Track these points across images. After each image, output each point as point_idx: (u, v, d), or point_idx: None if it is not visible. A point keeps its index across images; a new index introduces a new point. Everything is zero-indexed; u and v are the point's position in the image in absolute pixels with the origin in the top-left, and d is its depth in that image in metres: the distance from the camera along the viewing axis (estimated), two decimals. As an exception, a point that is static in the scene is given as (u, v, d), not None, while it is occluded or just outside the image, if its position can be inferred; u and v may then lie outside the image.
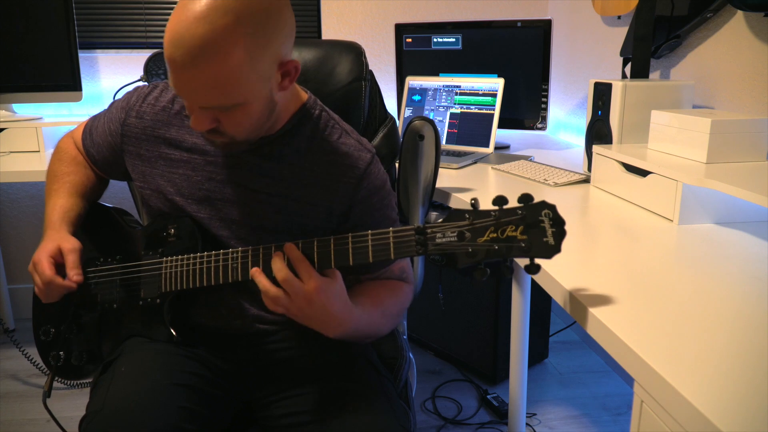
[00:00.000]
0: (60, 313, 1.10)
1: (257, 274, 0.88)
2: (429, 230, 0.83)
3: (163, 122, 1.07)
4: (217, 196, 1.04)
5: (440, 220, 0.84)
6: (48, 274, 0.98)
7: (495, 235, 0.80)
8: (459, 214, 0.82)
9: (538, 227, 0.79)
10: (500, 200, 0.81)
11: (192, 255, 1.00)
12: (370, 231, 0.87)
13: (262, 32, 0.85)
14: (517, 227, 0.80)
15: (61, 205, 1.09)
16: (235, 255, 0.95)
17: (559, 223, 0.79)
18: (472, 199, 0.83)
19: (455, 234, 0.82)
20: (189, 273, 1.00)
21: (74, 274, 0.99)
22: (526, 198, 0.80)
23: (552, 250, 0.79)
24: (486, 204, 0.80)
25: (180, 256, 1.01)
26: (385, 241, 0.86)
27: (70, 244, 1.01)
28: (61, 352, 1.09)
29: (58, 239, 1.02)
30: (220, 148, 1.00)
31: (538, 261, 0.81)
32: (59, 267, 1.00)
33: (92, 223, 1.13)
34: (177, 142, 1.06)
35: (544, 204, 0.80)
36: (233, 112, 0.89)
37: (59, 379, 1.13)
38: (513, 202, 0.81)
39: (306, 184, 1.03)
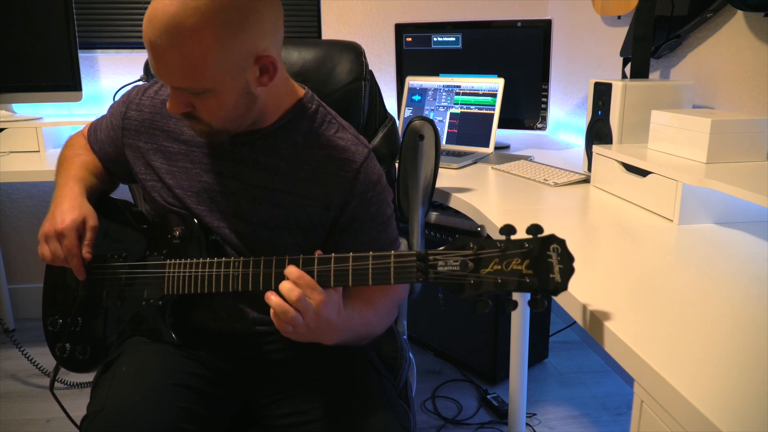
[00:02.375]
0: (68, 305, 1.10)
1: (272, 297, 0.86)
2: (431, 257, 0.81)
3: (161, 114, 1.08)
4: (214, 188, 1.04)
5: (443, 248, 0.81)
6: (76, 250, 1.01)
7: (499, 267, 0.77)
8: (463, 242, 0.80)
9: (545, 262, 0.76)
10: (507, 229, 0.77)
11: (194, 261, 1.00)
12: (371, 253, 0.86)
13: (237, 21, 0.86)
14: (523, 261, 0.77)
15: (74, 175, 1.09)
16: (236, 264, 0.95)
17: (567, 260, 0.76)
18: (478, 226, 0.81)
19: (458, 263, 0.79)
20: (190, 279, 1.00)
21: (87, 252, 1.03)
22: (534, 229, 0.77)
23: (558, 287, 0.76)
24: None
25: (183, 261, 1.01)
26: (386, 266, 0.84)
27: (94, 221, 1.04)
28: (67, 344, 1.09)
29: (83, 207, 1.03)
30: (201, 137, 1.01)
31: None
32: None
33: (101, 217, 1.13)
34: (175, 134, 1.07)
35: (553, 238, 0.77)
36: (205, 98, 0.91)
37: (60, 379, 1.13)
38: (522, 234, 0.78)
39: (302, 178, 1.03)
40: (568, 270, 0.76)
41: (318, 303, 0.85)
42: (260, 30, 0.90)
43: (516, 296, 1.72)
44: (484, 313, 2.05)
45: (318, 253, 0.89)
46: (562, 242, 0.77)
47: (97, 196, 1.13)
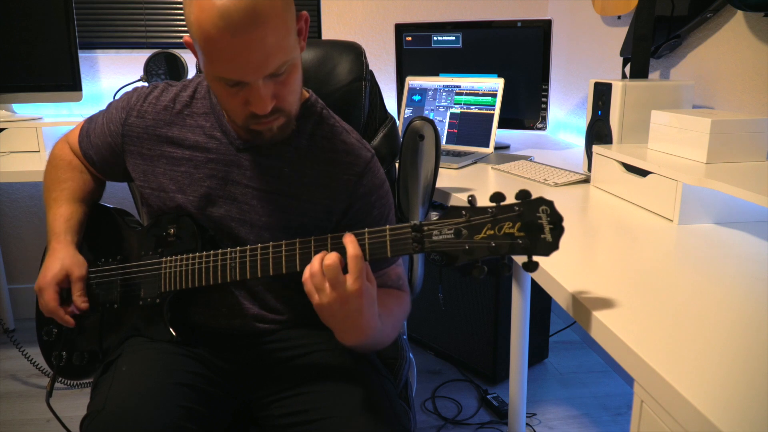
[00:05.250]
0: None
1: (315, 263, 0.83)
2: (425, 228, 0.82)
3: (165, 121, 1.07)
4: (218, 193, 1.04)
5: (436, 218, 0.83)
6: (53, 306, 1.02)
7: (492, 232, 0.79)
8: (456, 211, 0.81)
9: (535, 224, 0.78)
10: (497, 197, 0.80)
11: (191, 255, 1.00)
12: (366, 229, 0.86)
13: None
14: (515, 224, 0.79)
15: (62, 214, 1.09)
16: (233, 255, 0.96)
17: (557, 220, 0.78)
18: (469, 196, 0.82)
19: (452, 231, 0.81)
20: (188, 273, 1.00)
21: (81, 302, 1.04)
22: (523, 194, 0.79)
23: (550, 247, 0.78)
24: (484, 201, 0.80)
25: (179, 256, 1.02)
26: (382, 239, 0.85)
27: (79, 271, 1.04)
28: (64, 352, 1.09)
29: (66, 260, 1.03)
30: (275, 135, 0.97)
31: (536, 258, 0.80)
32: (65, 291, 1.04)
33: (93, 223, 1.13)
34: (179, 140, 1.06)
35: (541, 200, 0.79)
36: (287, 76, 0.90)
37: (61, 380, 1.13)
38: (511, 200, 0.80)
39: (306, 182, 1.03)
40: (558, 230, 0.79)
41: (355, 289, 0.82)
42: None
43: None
44: (484, 313, 2.06)
45: None
46: (550, 204, 0.79)
47: (88, 217, 1.14)
